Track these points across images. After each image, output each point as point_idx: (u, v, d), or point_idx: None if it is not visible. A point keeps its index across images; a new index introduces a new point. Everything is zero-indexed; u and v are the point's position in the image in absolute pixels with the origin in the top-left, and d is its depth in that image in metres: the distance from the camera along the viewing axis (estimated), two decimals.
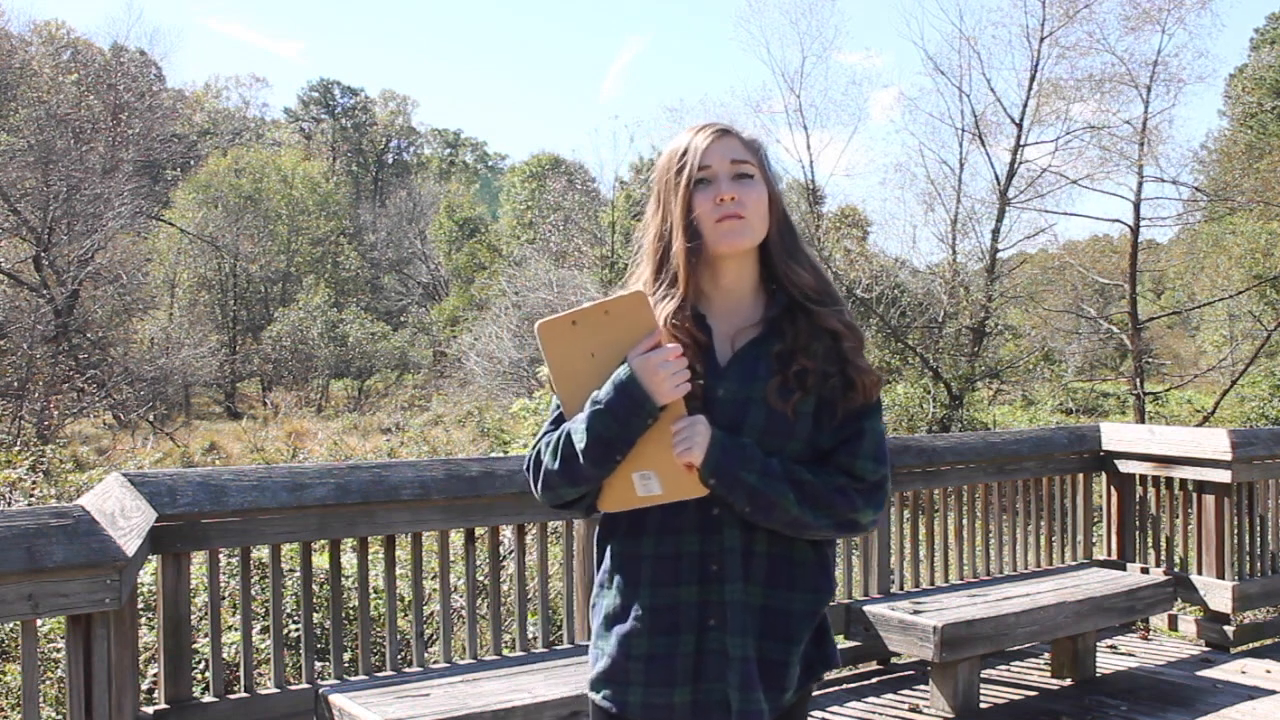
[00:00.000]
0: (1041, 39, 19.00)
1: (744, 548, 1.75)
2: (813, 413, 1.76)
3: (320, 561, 4.43)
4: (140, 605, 3.25)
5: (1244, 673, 4.57)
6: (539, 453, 1.78)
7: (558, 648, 3.66)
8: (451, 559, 3.77)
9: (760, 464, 1.70)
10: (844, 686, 4.40)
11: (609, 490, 1.74)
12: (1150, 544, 5.28)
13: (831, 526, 1.75)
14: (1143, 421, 17.68)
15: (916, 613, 4.05)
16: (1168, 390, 21.75)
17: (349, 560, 4.13)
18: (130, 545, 2.54)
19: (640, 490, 1.72)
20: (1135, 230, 19.00)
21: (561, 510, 1.85)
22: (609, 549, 1.83)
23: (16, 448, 11.76)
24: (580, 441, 1.68)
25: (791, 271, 1.80)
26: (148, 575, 3.98)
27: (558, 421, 1.78)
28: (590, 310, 1.70)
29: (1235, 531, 5.02)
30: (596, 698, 1.82)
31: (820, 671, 1.86)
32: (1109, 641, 5.01)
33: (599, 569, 1.86)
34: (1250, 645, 5.03)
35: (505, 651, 3.64)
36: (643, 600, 1.76)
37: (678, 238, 1.75)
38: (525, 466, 1.83)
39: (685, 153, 1.78)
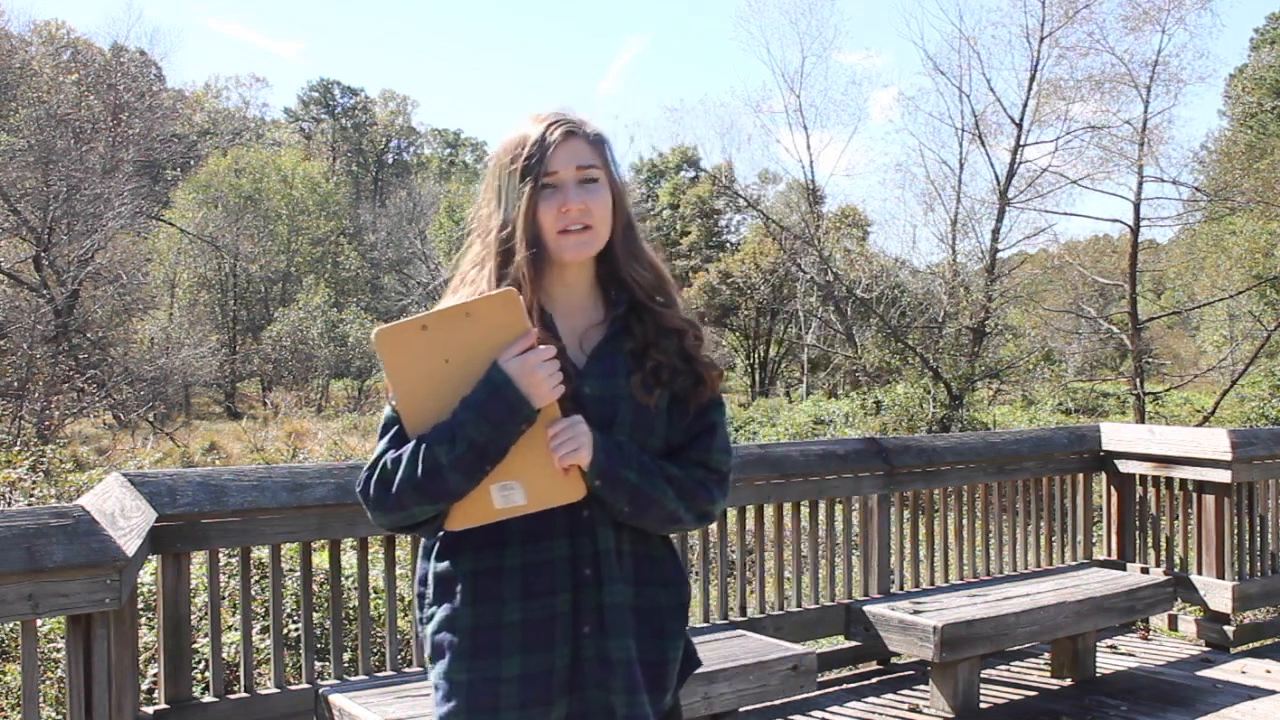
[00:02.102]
0: (1041, 39, 19.03)
1: (615, 547, 1.71)
2: (666, 409, 1.75)
3: (320, 561, 4.43)
4: (140, 605, 3.25)
5: (1244, 673, 4.57)
6: (382, 471, 1.62)
7: None
8: None
9: (638, 461, 1.68)
10: (844, 686, 4.40)
11: (460, 506, 1.60)
12: (1150, 544, 5.29)
13: (694, 519, 1.75)
14: (1143, 421, 17.67)
15: (916, 613, 4.05)
16: (1168, 390, 21.75)
17: (349, 560, 4.13)
18: (130, 545, 2.54)
19: (499, 503, 1.60)
20: (1135, 230, 19.00)
21: (404, 532, 1.75)
22: (452, 566, 1.70)
23: (16, 448, 11.76)
24: (446, 453, 1.56)
25: (634, 271, 1.76)
26: (148, 575, 3.98)
27: (398, 438, 1.64)
28: (448, 312, 1.58)
29: (1235, 531, 5.02)
30: None
31: (689, 671, 1.83)
32: (1109, 641, 5.01)
33: (429, 590, 1.73)
34: (1250, 645, 5.03)
35: None
36: (511, 615, 1.65)
37: (521, 244, 1.67)
38: (359, 489, 1.66)
39: (530, 147, 1.69)
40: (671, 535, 1.82)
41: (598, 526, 1.69)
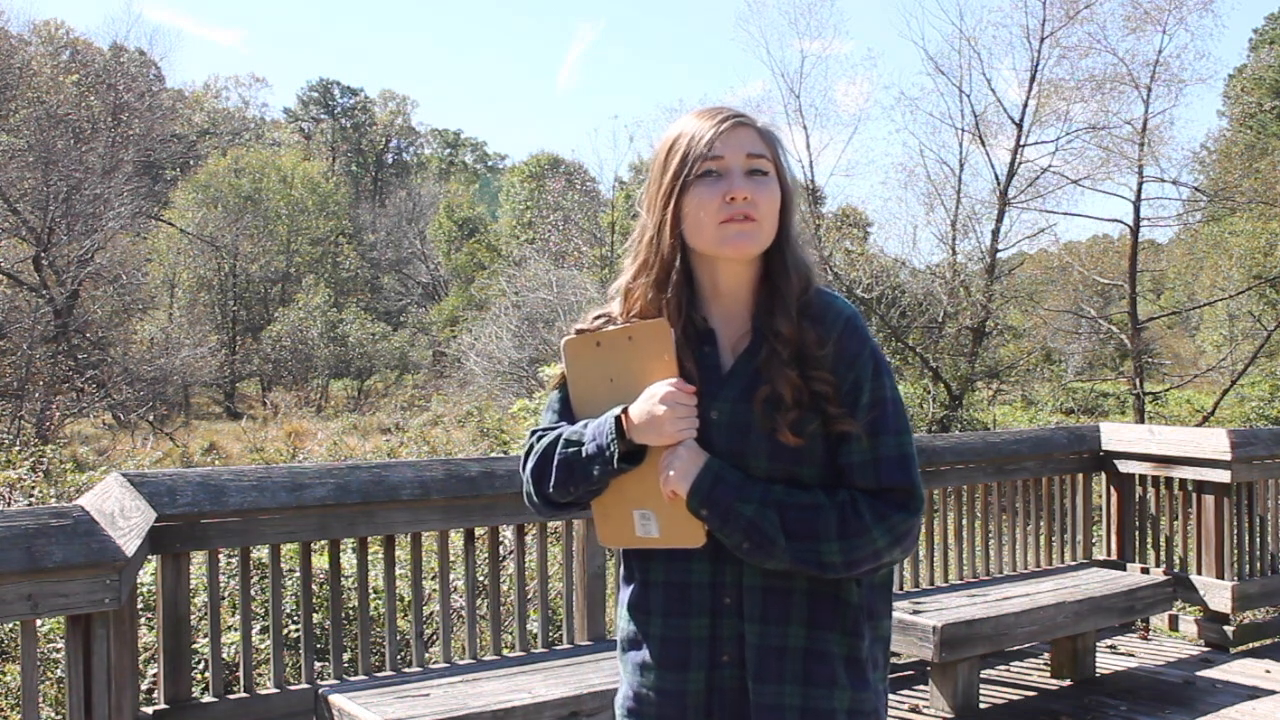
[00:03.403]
0: (1042, 39, 19.00)
1: (764, 584, 1.57)
2: (823, 435, 1.58)
3: (320, 562, 4.43)
4: (140, 605, 3.25)
5: (1244, 673, 4.56)
6: (530, 447, 1.68)
7: (557, 648, 3.66)
8: (451, 559, 3.77)
9: (760, 494, 1.53)
10: None
11: (608, 525, 1.64)
12: (1150, 544, 5.28)
13: (846, 557, 1.54)
14: (1142, 421, 17.68)
15: (916, 613, 4.05)
16: (1168, 390, 21.75)
17: (349, 560, 4.13)
18: (130, 545, 2.54)
19: (639, 530, 1.61)
20: (1135, 230, 18.99)
21: (543, 514, 1.75)
22: (627, 571, 1.71)
23: (16, 448, 11.76)
24: (553, 461, 1.60)
25: (785, 280, 1.61)
26: (147, 575, 3.98)
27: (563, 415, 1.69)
28: (615, 333, 1.61)
29: (1235, 531, 5.02)
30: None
31: None
32: (1109, 641, 5.01)
33: (621, 581, 1.74)
34: (1250, 645, 5.03)
35: (505, 651, 3.63)
36: (654, 629, 1.63)
37: (673, 244, 1.59)
38: (522, 466, 1.70)
39: (692, 138, 1.58)
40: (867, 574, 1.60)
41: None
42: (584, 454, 1.56)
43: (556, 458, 1.59)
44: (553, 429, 1.66)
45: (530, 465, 1.64)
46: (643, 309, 1.63)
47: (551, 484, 1.60)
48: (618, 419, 1.54)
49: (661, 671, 1.61)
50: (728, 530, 1.53)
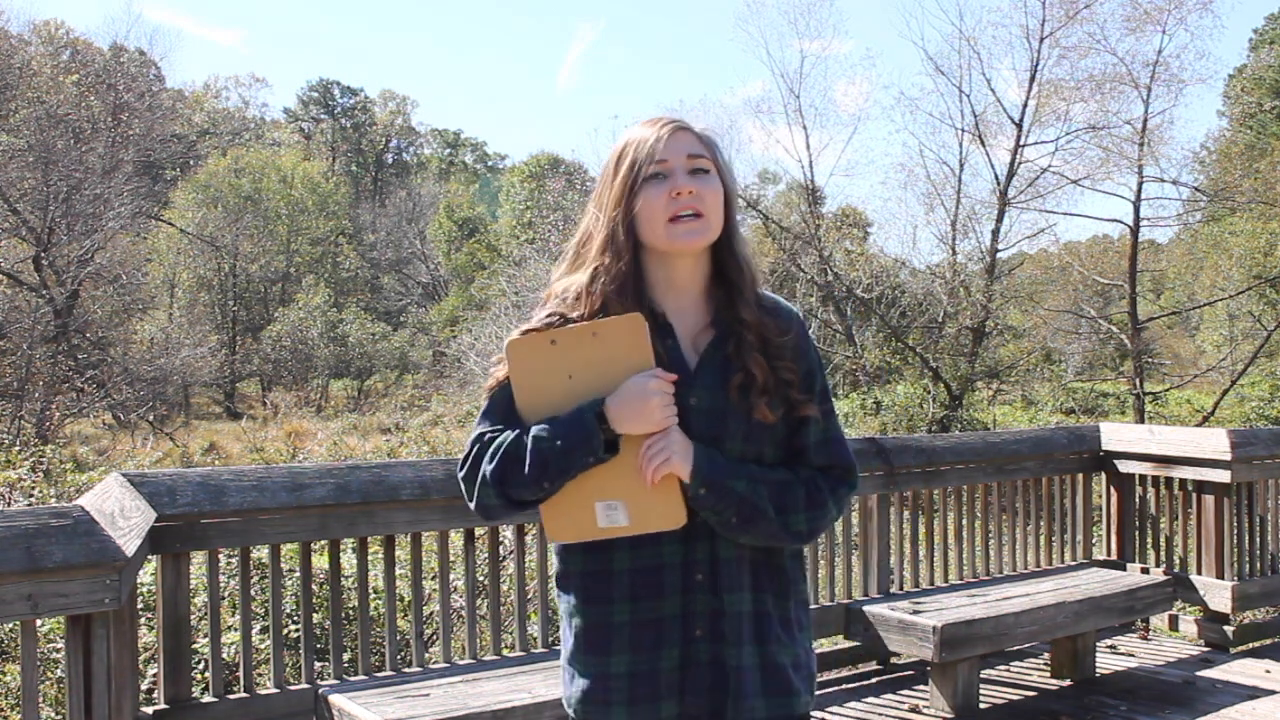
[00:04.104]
0: (1042, 39, 19.00)
1: (736, 555, 1.69)
2: (783, 417, 1.72)
3: (320, 562, 4.42)
4: (140, 605, 3.25)
5: (1244, 673, 4.57)
6: (477, 448, 1.68)
7: (558, 648, 3.65)
8: (451, 559, 3.77)
9: (745, 471, 1.65)
10: (843, 687, 4.40)
11: (563, 520, 1.63)
12: (1150, 544, 5.29)
13: (808, 525, 1.71)
14: (1142, 421, 17.67)
15: (916, 613, 4.05)
16: (1168, 390, 21.74)
17: (349, 560, 4.13)
18: (130, 545, 2.54)
19: (603, 522, 1.62)
20: (1135, 230, 18.99)
21: (489, 518, 1.74)
22: (565, 565, 1.74)
23: (16, 448, 11.75)
24: (527, 460, 1.60)
25: (738, 273, 1.74)
26: (147, 575, 3.98)
27: (501, 424, 1.68)
28: (577, 330, 1.63)
29: (1235, 531, 5.02)
30: (575, 718, 1.74)
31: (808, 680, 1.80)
32: (1109, 641, 5.01)
33: (561, 580, 1.76)
34: (1250, 645, 5.03)
35: (505, 652, 3.64)
36: (619, 616, 1.68)
37: (626, 241, 1.68)
38: (460, 471, 1.70)
39: (638, 145, 1.70)
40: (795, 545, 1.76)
41: (717, 534, 1.67)
42: (561, 448, 1.58)
43: (529, 455, 1.59)
44: (501, 431, 1.67)
45: (490, 467, 1.64)
46: (605, 306, 1.68)
47: (523, 482, 1.61)
48: (599, 411, 1.59)
49: (633, 655, 1.67)
50: (722, 506, 1.63)
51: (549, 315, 1.72)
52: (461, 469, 1.70)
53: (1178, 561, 5.20)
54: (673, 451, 1.59)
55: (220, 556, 3.25)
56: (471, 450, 1.68)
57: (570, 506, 1.63)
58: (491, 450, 1.64)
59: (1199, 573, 5.04)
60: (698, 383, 1.69)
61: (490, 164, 68.92)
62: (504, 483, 1.63)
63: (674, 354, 1.70)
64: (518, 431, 1.64)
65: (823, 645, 4.68)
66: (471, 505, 1.69)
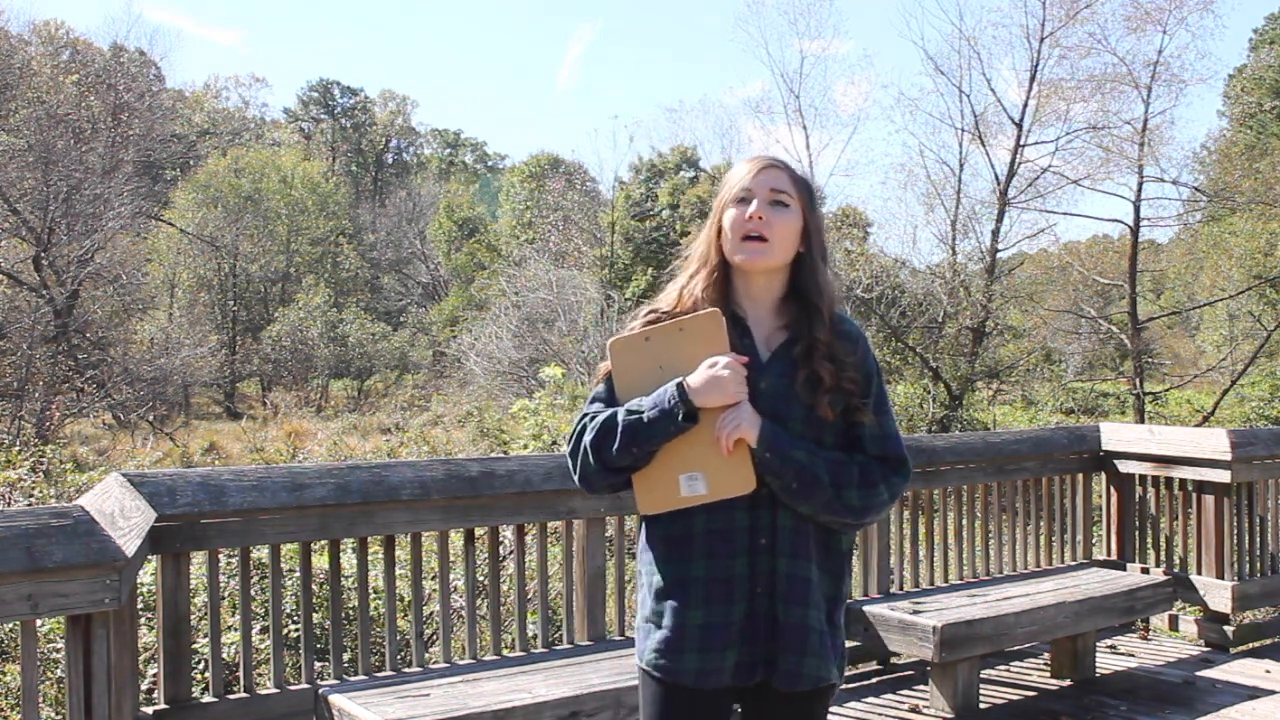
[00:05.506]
0: (1042, 39, 19.01)
1: (793, 525, 1.94)
2: (840, 415, 1.99)
3: (320, 562, 4.43)
4: (140, 605, 3.25)
5: (1244, 673, 4.57)
6: (581, 427, 1.96)
7: (557, 648, 3.66)
8: (451, 559, 3.77)
9: (805, 445, 1.92)
10: (843, 687, 4.39)
11: (651, 492, 1.92)
12: (1150, 544, 5.29)
13: (861, 504, 1.95)
14: (1142, 421, 17.67)
15: (916, 613, 4.05)
16: (1168, 390, 21.75)
17: (349, 560, 4.13)
18: (130, 545, 2.54)
19: (685, 491, 1.90)
20: (1135, 230, 19.00)
21: (592, 488, 1.99)
22: (655, 531, 1.99)
23: (16, 448, 11.74)
24: (614, 432, 1.89)
25: (817, 296, 2.02)
26: (147, 575, 3.98)
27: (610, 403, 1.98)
28: (666, 327, 1.94)
29: (1235, 531, 5.02)
30: (650, 668, 1.97)
31: (839, 655, 2.03)
32: (1109, 641, 5.01)
33: (647, 543, 2.01)
34: (1250, 645, 5.03)
35: (505, 651, 3.64)
36: (697, 571, 1.94)
37: (713, 253, 2.02)
38: (567, 447, 2.00)
39: (736, 175, 2.05)
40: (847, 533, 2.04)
41: (778, 504, 1.94)
42: (647, 419, 1.88)
43: (622, 424, 1.89)
44: (603, 412, 1.96)
45: (589, 437, 1.93)
46: (694, 305, 2.01)
47: (615, 447, 1.89)
48: (680, 385, 1.88)
49: (709, 607, 1.93)
50: (784, 470, 1.90)
51: (649, 313, 2.05)
52: (568, 444, 2.01)
53: (1178, 561, 5.20)
54: (744, 419, 1.88)
55: (220, 556, 3.25)
56: (576, 428, 1.98)
57: (657, 482, 1.91)
58: (592, 425, 1.94)
59: (1199, 573, 5.04)
60: (768, 371, 1.98)
61: (490, 164, 68.88)
62: (600, 450, 1.92)
63: (749, 348, 1.99)
64: (614, 410, 1.93)
65: None
66: (575, 478, 1.99)
